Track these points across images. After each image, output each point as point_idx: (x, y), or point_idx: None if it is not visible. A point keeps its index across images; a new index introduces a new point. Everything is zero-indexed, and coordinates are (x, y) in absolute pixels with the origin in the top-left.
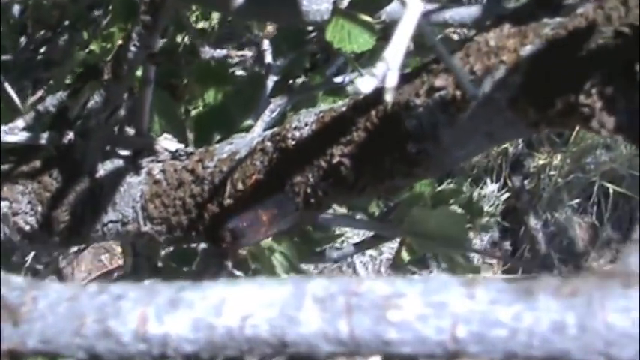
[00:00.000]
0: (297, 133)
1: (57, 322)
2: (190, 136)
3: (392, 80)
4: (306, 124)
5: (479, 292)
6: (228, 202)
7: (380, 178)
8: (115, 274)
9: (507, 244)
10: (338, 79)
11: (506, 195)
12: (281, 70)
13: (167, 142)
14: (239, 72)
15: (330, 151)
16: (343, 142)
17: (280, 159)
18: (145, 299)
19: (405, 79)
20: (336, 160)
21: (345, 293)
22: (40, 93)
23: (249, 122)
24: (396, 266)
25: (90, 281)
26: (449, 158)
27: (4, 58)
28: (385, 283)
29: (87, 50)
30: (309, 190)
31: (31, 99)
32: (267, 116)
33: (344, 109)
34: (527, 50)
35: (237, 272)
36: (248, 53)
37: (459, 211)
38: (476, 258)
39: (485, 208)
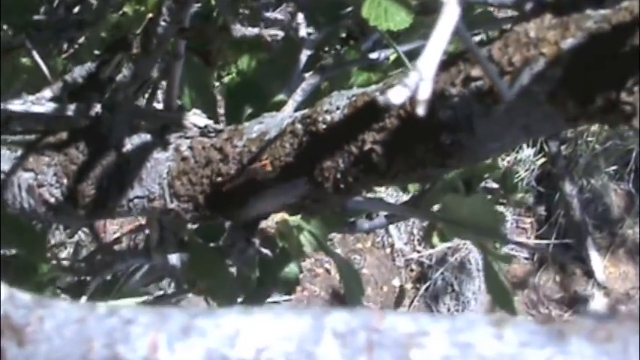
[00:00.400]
0: (328, 117)
1: (64, 345)
2: (221, 109)
3: (425, 92)
4: (337, 108)
5: (508, 332)
6: (256, 178)
7: (412, 166)
8: (147, 231)
9: (542, 210)
10: (373, 55)
11: (542, 160)
12: (315, 45)
13: (196, 118)
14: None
15: (362, 136)
16: (375, 129)
17: (310, 142)
18: (156, 325)
19: (440, 67)
20: (367, 146)
21: (367, 329)
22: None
23: (281, 97)
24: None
25: (122, 235)
26: (483, 150)
27: (36, 17)
28: (409, 319)
29: (120, 12)
30: (339, 176)
31: (64, 56)
32: (299, 95)
33: (377, 93)
34: (568, 43)
35: (265, 250)
36: (280, 32)
37: (495, 185)
38: (509, 222)
39: (521, 173)
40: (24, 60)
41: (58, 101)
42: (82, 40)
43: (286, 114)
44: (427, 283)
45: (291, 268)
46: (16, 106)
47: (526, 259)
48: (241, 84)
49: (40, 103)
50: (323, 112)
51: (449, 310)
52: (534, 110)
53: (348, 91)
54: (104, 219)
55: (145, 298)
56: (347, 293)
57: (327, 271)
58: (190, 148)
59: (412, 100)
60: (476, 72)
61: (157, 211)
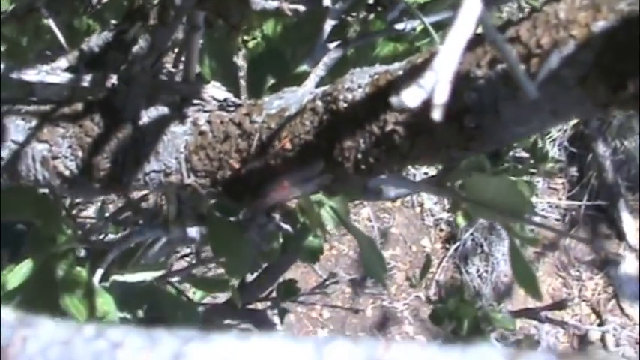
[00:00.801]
0: (349, 95)
1: None
2: (242, 81)
3: (442, 95)
4: (359, 86)
5: None
6: (272, 161)
7: (434, 148)
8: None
9: (574, 170)
10: (399, 26)
11: (575, 120)
12: (340, 14)
13: (215, 90)
14: None
15: (384, 117)
16: (397, 109)
17: (331, 121)
18: (146, 349)
19: (466, 47)
20: (389, 127)
21: None
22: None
23: (303, 67)
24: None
25: (149, 192)
26: (508, 134)
27: None
28: (416, 350)
29: None
30: (359, 156)
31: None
32: (321, 70)
33: (400, 72)
34: (599, 26)
35: (285, 225)
36: (301, 7)
37: (524, 155)
38: (540, 183)
39: (553, 133)
40: (46, 21)
41: (73, 71)
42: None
43: (307, 89)
44: (457, 244)
45: (315, 237)
46: (30, 75)
47: (557, 220)
48: (264, 53)
49: (55, 73)
50: (344, 90)
51: (478, 271)
52: (563, 95)
53: (371, 68)
54: (120, 192)
55: (163, 271)
56: (367, 270)
57: None
58: (208, 122)
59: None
60: None
61: (173, 186)
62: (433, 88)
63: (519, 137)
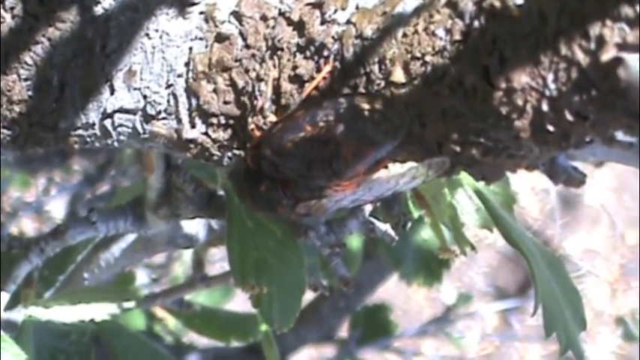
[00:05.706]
0: None
1: None
2: None
3: None
4: None
5: None
6: (366, 105)
7: None
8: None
9: None
10: None
11: None
12: None
13: None
14: None
15: (597, 30)
16: (625, 18)
17: (488, 32)
18: None
19: None
20: (608, 52)
21: None
22: None
23: None
24: None
25: None
26: None
27: None
28: None
29: None
30: (545, 107)
31: None
32: None
33: None
34: None
35: (382, 225)
36: None
37: None
38: None
39: None
40: None
41: None
42: None
43: None
44: None
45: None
46: None
47: None
48: None
49: None
50: None
51: None
52: None
53: None
54: (44, 147)
55: (129, 302)
56: (548, 330)
57: None
58: (237, 16)
59: None
60: None
61: (161, 140)
62: None
63: None
